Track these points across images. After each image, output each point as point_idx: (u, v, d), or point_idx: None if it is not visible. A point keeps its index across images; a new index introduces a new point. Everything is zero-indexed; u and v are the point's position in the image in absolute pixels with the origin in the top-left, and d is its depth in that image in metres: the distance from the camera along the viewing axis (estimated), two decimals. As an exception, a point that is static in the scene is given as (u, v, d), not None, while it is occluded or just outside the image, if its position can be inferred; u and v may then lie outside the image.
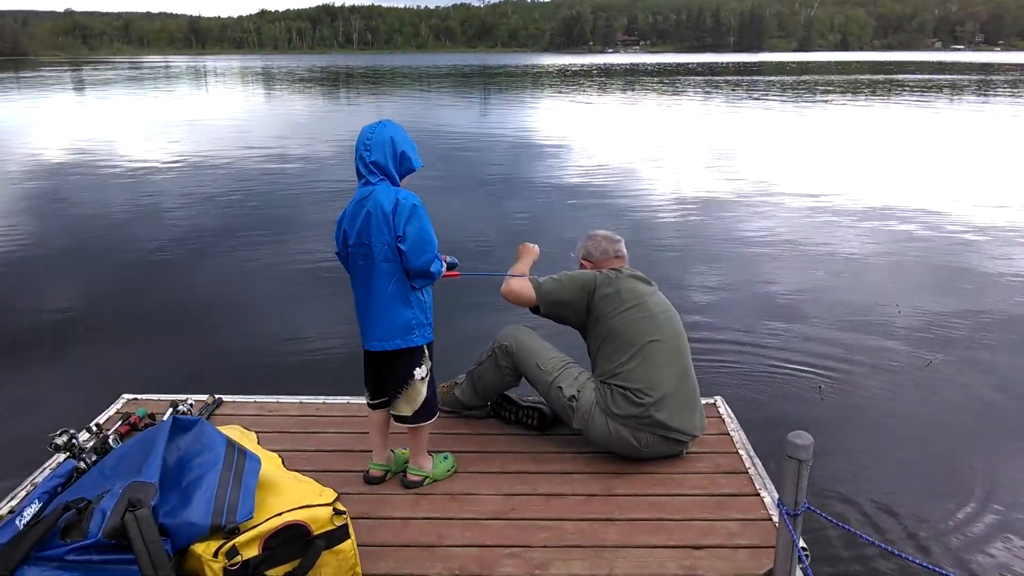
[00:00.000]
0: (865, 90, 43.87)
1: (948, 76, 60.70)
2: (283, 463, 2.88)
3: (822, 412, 5.28)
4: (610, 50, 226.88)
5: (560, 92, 43.50)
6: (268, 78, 66.49)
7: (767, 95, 39.23)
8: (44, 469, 3.46)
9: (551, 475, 3.52)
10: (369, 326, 3.24)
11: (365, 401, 3.46)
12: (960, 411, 5.32)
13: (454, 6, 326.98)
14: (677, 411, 3.48)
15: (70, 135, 21.50)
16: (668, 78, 59.63)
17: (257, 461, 2.60)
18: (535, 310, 3.73)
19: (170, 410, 3.93)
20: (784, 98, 37.55)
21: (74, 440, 3.12)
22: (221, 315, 7.42)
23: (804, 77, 59.53)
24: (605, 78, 60.97)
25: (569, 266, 3.90)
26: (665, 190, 13.45)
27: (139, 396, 4.25)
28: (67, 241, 9.91)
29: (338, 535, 2.59)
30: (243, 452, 2.60)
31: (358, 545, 2.69)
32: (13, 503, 3.16)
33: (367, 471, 3.48)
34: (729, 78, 58.77)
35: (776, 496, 3.17)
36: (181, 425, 2.59)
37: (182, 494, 2.39)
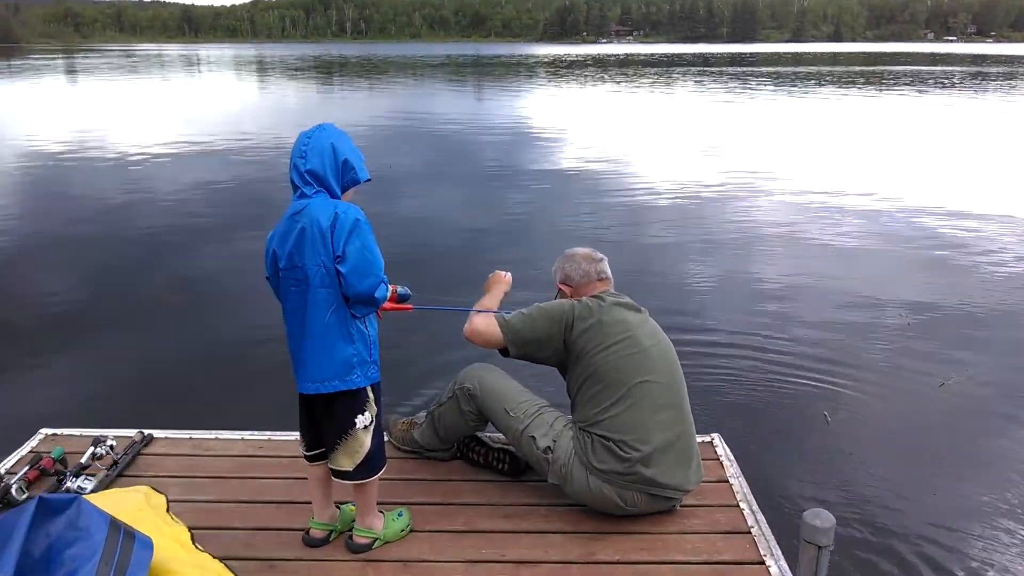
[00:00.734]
0: (859, 81, 43.39)
1: (941, 68, 60.28)
2: (192, 538, 2.38)
3: (830, 443, 4.77)
4: (604, 40, 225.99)
5: (554, 82, 42.92)
6: (261, 67, 65.74)
7: (761, 86, 38.72)
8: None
9: (523, 535, 3.02)
10: (303, 364, 2.74)
11: (301, 452, 2.97)
12: (987, 439, 4.84)
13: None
14: (670, 465, 2.98)
15: (54, 124, 20.90)
16: (662, 69, 59.04)
17: (148, 547, 2.09)
18: (504, 352, 3.20)
19: (91, 449, 3.45)
20: (778, 89, 37.08)
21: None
22: (165, 331, 6.73)
23: (798, 68, 59.01)
24: (599, 69, 60.36)
25: (550, 292, 3.42)
26: (658, 182, 13.01)
27: (59, 431, 3.74)
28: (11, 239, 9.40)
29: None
30: (131, 536, 2.09)
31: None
32: None
33: (307, 531, 2.99)
34: (723, 69, 58.21)
35: (786, 571, 2.70)
36: (51, 507, 2.07)
37: (48, 597, 1.90)
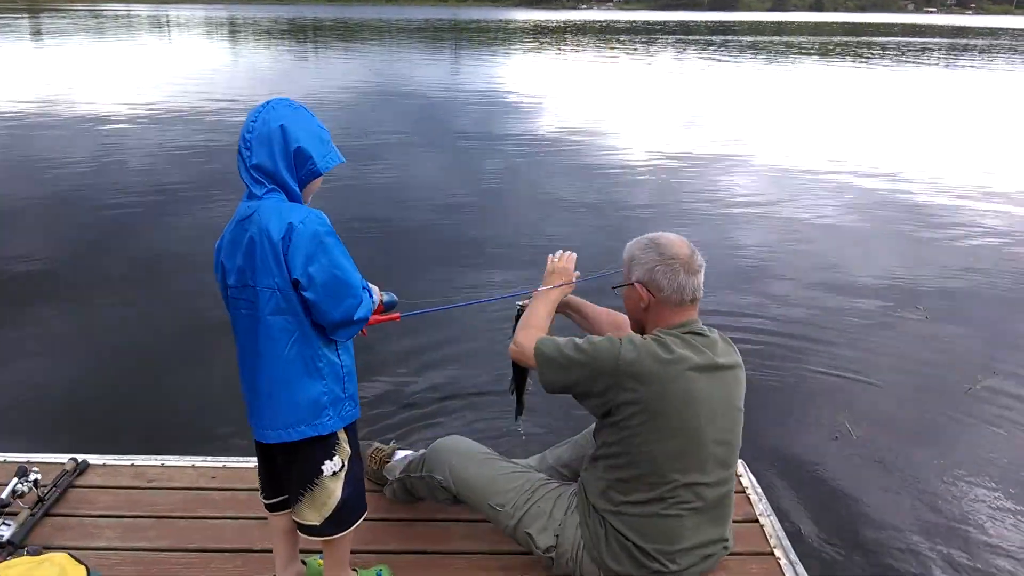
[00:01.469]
0: (841, 51, 42.96)
1: (922, 39, 60.02)
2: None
3: (858, 462, 4.22)
4: (583, 6, 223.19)
5: (534, 49, 42.08)
6: (233, 29, 64.01)
7: (742, 55, 38.15)
8: None
9: (523, 594, 2.57)
10: (259, 407, 2.23)
11: (261, 500, 2.47)
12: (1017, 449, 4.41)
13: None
14: (702, 556, 2.38)
15: (18, 86, 19.97)
16: (642, 36, 58.23)
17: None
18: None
19: (13, 482, 2.93)
20: (759, 58, 36.54)
21: None
22: (108, 328, 5.74)
23: (780, 37, 58.48)
24: (579, 35, 59.43)
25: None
26: (637, 151, 12.59)
27: (-22, 457, 3.23)
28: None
29: None
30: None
31: None
32: None
33: (266, 593, 2.51)
34: (703, 37, 57.50)
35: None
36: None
37: None
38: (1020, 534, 3.65)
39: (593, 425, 2.96)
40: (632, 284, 2.37)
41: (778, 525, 2.90)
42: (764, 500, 3.05)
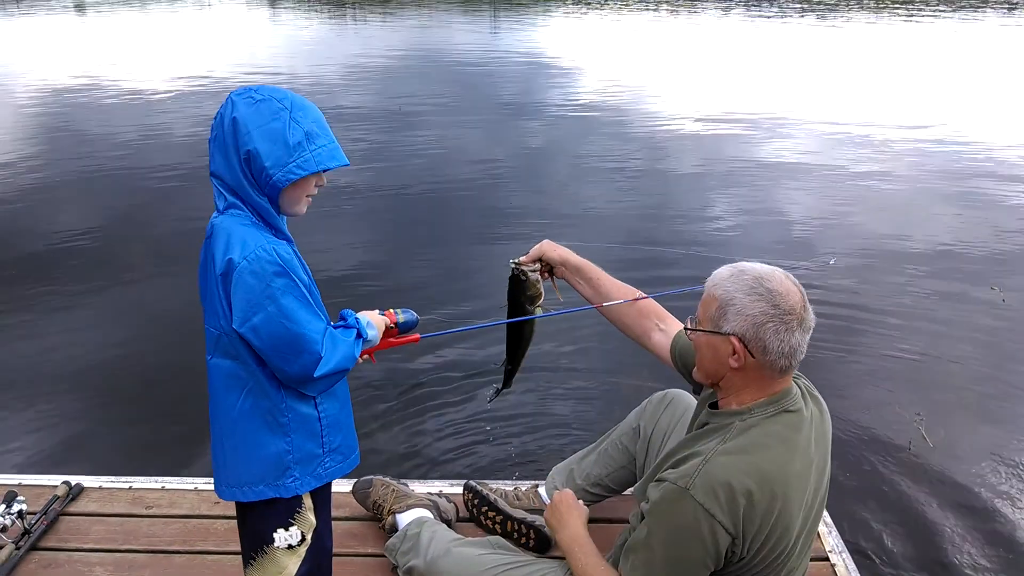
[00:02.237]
0: (893, 5, 41.33)
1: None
2: None
3: (930, 485, 3.69)
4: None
5: (575, 12, 41.18)
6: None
7: (788, 12, 36.85)
8: None
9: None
10: (215, 457, 1.92)
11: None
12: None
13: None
14: None
15: (58, 60, 19.93)
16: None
17: None
18: None
19: (2, 507, 2.67)
20: (807, 15, 35.26)
21: None
22: (111, 329, 5.19)
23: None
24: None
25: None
26: (683, 114, 11.89)
27: (-34, 480, 2.97)
28: None
29: None
30: None
31: None
32: None
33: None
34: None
35: None
36: None
37: None
38: None
39: (619, 430, 2.64)
40: (725, 335, 1.78)
41: (852, 564, 2.52)
42: (835, 533, 2.67)
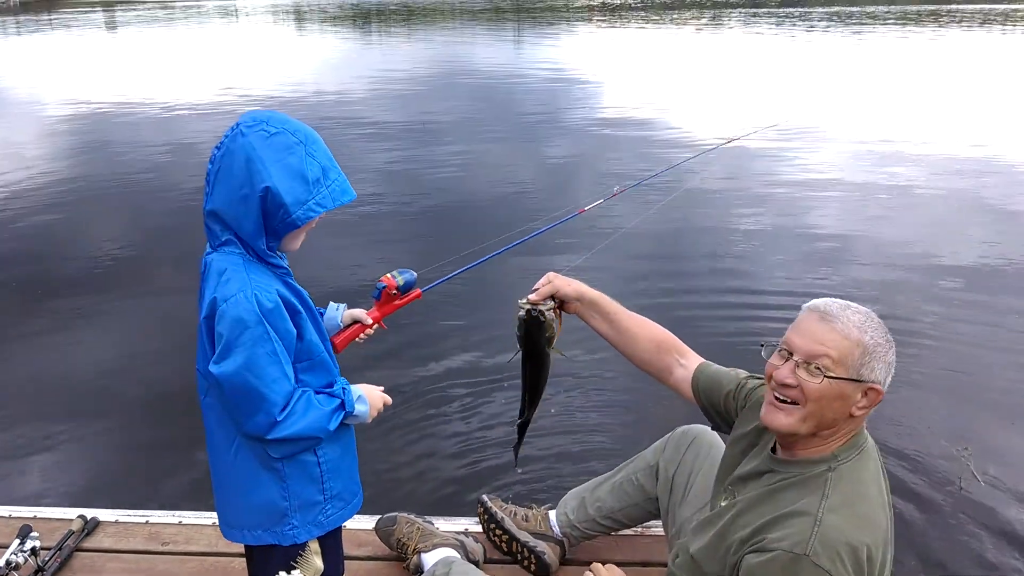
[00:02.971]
0: (921, 18, 41.01)
1: (1007, 4, 57.09)
2: None
3: (986, 534, 3.44)
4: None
5: (598, 26, 41.22)
6: (299, 16, 64.56)
7: (814, 26, 36.64)
8: None
9: None
10: (216, 497, 1.89)
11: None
12: None
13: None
14: None
15: (88, 77, 20.17)
16: (710, 10, 56.71)
17: None
18: None
19: (13, 546, 2.58)
20: (832, 28, 35.03)
21: None
22: (131, 360, 5.02)
23: (853, 8, 56.28)
24: (644, 10, 58.24)
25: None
26: (707, 128, 11.74)
27: (-20, 512, 2.90)
28: None
29: None
30: None
31: None
32: None
33: None
34: (775, 9, 55.67)
35: None
36: None
37: None
38: None
39: (635, 465, 2.55)
40: (866, 385, 1.64)
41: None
42: None
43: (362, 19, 55.94)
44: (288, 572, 1.85)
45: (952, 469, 3.88)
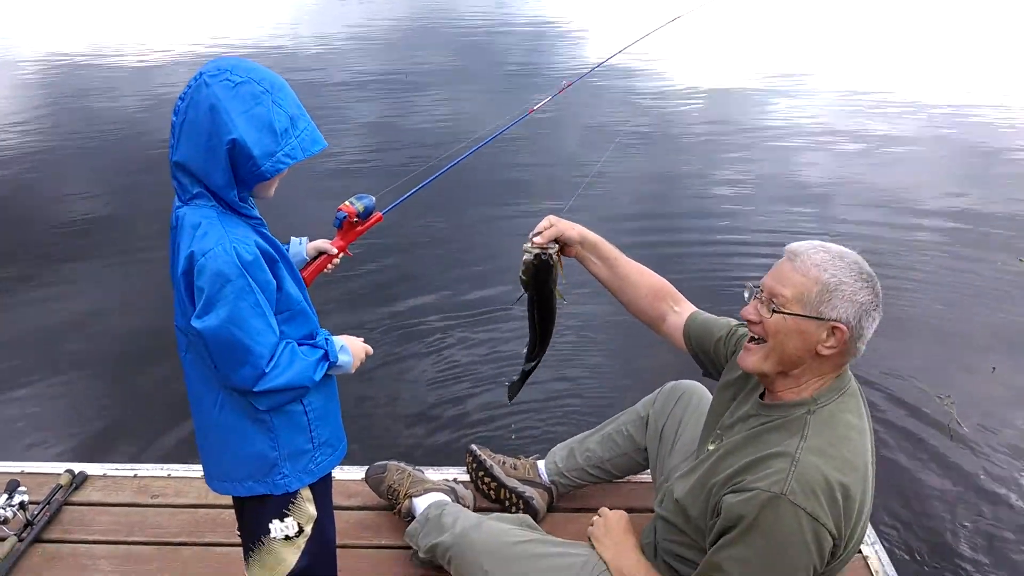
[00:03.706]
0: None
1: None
2: None
3: (967, 479, 3.51)
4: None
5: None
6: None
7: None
8: None
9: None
10: (203, 451, 1.88)
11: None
12: None
13: None
14: None
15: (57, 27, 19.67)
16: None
17: None
18: None
19: (3, 497, 2.58)
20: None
21: None
22: (123, 307, 5.02)
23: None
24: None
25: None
26: (690, 77, 11.68)
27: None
28: None
29: None
30: None
31: None
32: None
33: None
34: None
35: None
36: None
37: None
38: None
39: (625, 417, 2.57)
40: (825, 321, 1.66)
41: (885, 558, 2.43)
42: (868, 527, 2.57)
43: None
44: (282, 520, 1.86)
45: (935, 415, 3.95)
